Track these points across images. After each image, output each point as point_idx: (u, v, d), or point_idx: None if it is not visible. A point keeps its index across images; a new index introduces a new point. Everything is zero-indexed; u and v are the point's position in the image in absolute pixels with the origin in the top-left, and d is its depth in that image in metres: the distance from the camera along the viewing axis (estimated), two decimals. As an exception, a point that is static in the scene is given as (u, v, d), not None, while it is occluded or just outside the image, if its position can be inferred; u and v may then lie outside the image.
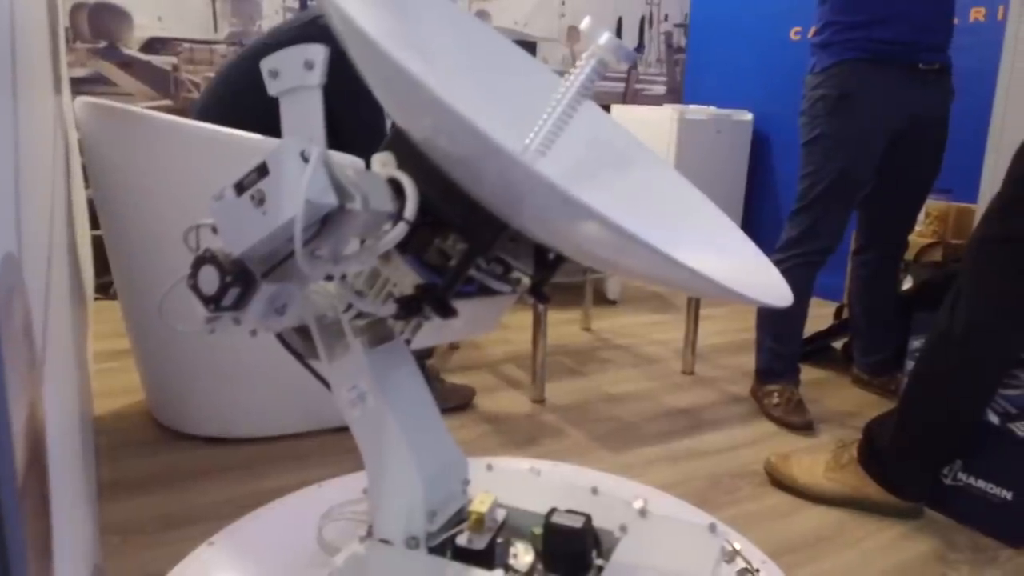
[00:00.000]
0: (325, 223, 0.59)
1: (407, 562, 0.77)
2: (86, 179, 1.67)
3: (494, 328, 0.85)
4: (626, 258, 0.60)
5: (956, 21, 1.90)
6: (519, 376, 2.19)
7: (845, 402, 2.10)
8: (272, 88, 0.60)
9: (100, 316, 2.31)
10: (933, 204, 2.43)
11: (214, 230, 0.62)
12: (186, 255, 0.64)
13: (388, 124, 0.71)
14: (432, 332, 0.74)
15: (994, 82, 2.16)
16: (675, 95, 4.09)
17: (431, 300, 0.66)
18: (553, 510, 0.81)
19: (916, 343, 1.84)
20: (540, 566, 0.80)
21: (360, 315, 0.75)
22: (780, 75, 3.44)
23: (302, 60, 0.58)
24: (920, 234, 2.44)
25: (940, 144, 1.93)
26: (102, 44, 2.75)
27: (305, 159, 0.57)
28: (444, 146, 0.61)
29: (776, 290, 0.73)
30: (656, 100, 4.01)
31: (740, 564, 0.90)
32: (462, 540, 0.78)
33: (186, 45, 2.88)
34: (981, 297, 1.34)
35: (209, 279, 0.61)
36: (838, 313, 2.68)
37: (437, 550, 0.78)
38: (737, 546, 0.92)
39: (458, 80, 0.80)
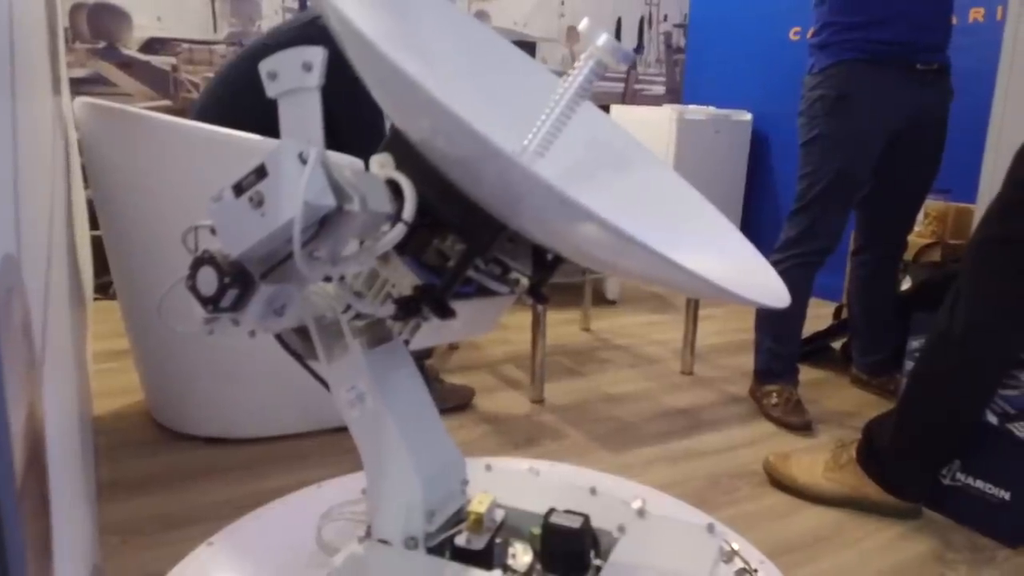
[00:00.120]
0: (323, 224, 0.59)
1: (406, 562, 0.77)
2: (85, 179, 1.67)
3: (493, 329, 0.85)
4: (624, 259, 0.60)
5: (955, 21, 1.90)
6: (518, 376, 2.19)
7: (844, 402, 2.10)
8: (270, 90, 0.60)
9: (99, 316, 2.31)
10: (932, 204, 2.44)
11: (212, 231, 0.62)
12: (186, 256, 0.65)
13: (387, 125, 0.71)
14: (431, 333, 0.74)
15: (993, 82, 2.17)
16: (674, 95, 4.09)
17: (429, 301, 0.67)
18: (551, 510, 0.81)
19: (915, 343, 1.84)
20: (539, 566, 0.80)
21: (359, 316, 0.75)
22: (779, 75, 3.44)
23: (300, 62, 0.58)
24: (919, 234, 2.44)
25: (939, 144, 1.93)
26: (101, 44, 2.75)
27: (303, 161, 0.57)
28: (442, 147, 0.61)
29: (773, 291, 0.73)
30: (655, 100, 4.01)
31: (738, 564, 0.90)
32: (461, 540, 0.78)
33: (185, 45, 2.88)
34: (981, 298, 1.35)
35: (207, 280, 0.61)
36: (837, 313, 2.68)
37: (436, 550, 0.78)
38: (735, 546, 0.92)
39: (456, 81, 0.80)
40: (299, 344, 0.79)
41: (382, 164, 0.67)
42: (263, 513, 1.08)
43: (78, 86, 2.64)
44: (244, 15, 2.96)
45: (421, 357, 1.82)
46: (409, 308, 0.67)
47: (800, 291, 1.93)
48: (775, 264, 1.90)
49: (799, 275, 1.91)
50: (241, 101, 1.33)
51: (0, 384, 0.41)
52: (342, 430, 0.81)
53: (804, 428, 1.88)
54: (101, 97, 1.61)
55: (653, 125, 3.39)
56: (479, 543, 0.78)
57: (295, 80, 0.59)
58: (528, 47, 3.56)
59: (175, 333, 1.48)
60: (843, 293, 2.52)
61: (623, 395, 2.10)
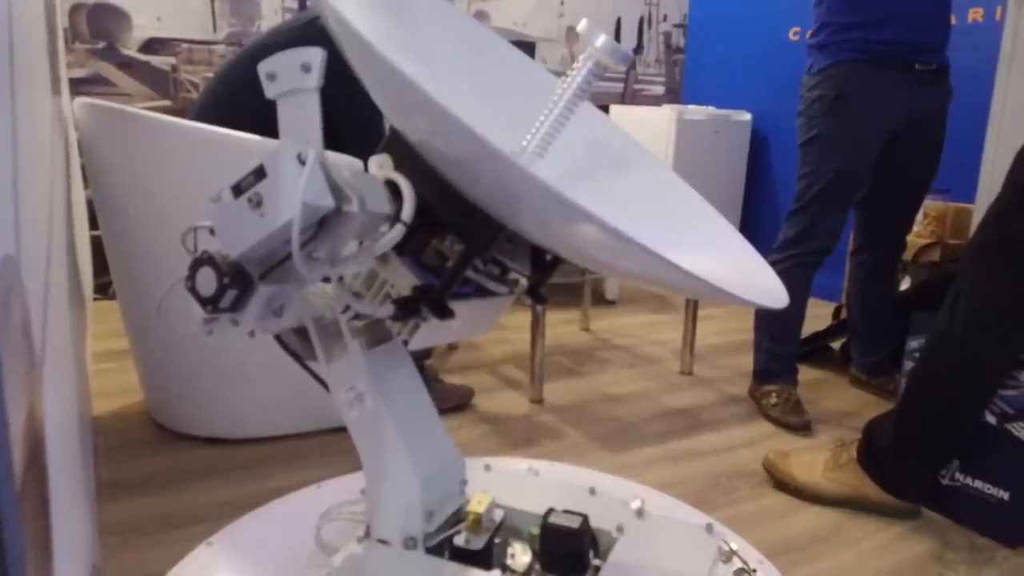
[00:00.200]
0: (322, 225, 0.60)
1: (405, 562, 0.77)
2: (85, 180, 1.67)
3: (492, 329, 0.85)
4: (622, 260, 0.60)
5: (954, 21, 1.91)
6: (518, 376, 2.19)
7: (843, 402, 2.11)
8: (269, 91, 0.60)
9: (99, 316, 2.31)
10: (931, 204, 2.44)
11: (212, 232, 0.62)
12: (185, 256, 0.65)
13: (386, 125, 0.71)
14: (430, 333, 0.74)
15: (992, 82, 2.17)
16: (674, 95, 4.09)
17: (428, 301, 0.67)
18: (550, 510, 0.81)
19: (914, 343, 1.84)
20: (537, 566, 0.81)
21: (358, 316, 0.75)
22: (779, 75, 3.44)
23: (299, 63, 0.58)
24: (918, 234, 2.44)
25: (938, 144, 1.93)
26: (101, 45, 2.75)
27: (302, 161, 0.57)
28: (441, 148, 0.61)
29: (771, 291, 0.73)
30: (655, 100, 4.01)
31: (737, 564, 0.91)
32: (460, 540, 0.78)
33: (185, 45, 2.88)
34: (980, 298, 1.35)
35: (207, 281, 0.61)
36: (836, 313, 2.68)
37: (435, 550, 0.78)
38: (734, 546, 0.92)
39: (455, 82, 0.80)
40: (298, 344, 0.79)
41: (381, 165, 0.67)
42: (262, 513, 1.08)
43: (78, 86, 2.64)
44: (244, 15, 2.96)
45: (420, 357, 1.82)
46: (408, 308, 0.68)
47: (799, 291, 1.93)
48: (774, 264, 1.90)
49: (798, 275, 1.91)
50: (240, 101, 1.33)
51: (-1, 384, 0.41)
52: (341, 430, 0.81)
53: (803, 428, 1.88)
54: (101, 97, 1.62)
55: (652, 125, 3.39)
56: (478, 543, 0.78)
57: (294, 81, 0.59)
58: (527, 47, 3.56)
59: (175, 333, 1.48)
60: (842, 293, 2.53)
61: (622, 395, 2.10)
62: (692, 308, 2.30)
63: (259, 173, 0.59)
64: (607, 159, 0.91)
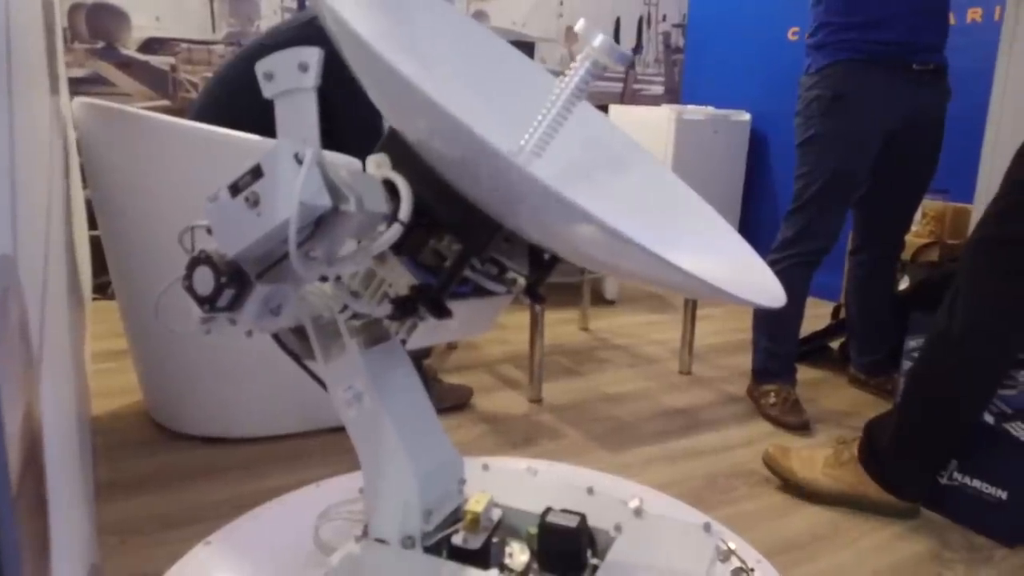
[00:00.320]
0: (319, 224, 0.60)
1: (403, 561, 0.77)
2: (84, 179, 1.67)
3: (489, 329, 0.86)
4: (620, 260, 0.60)
5: (953, 21, 1.91)
6: (516, 376, 2.19)
7: (841, 402, 2.11)
8: (267, 90, 0.60)
9: (98, 316, 2.31)
10: (930, 204, 2.44)
11: (209, 231, 0.62)
12: (184, 256, 0.65)
13: (386, 125, 0.71)
14: (428, 332, 0.74)
15: (991, 82, 2.17)
16: (673, 95, 4.10)
17: (426, 301, 0.67)
18: (548, 509, 0.81)
19: (912, 343, 1.84)
20: (535, 565, 0.81)
21: (356, 315, 0.75)
22: (778, 75, 3.44)
23: (296, 62, 0.58)
24: (917, 234, 2.44)
25: (936, 144, 1.93)
26: (100, 44, 2.75)
27: (299, 161, 0.57)
28: (439, 147, 0.61)
29: (769, 291, 0.73)
30: (654, 100, 4.01)
31: (735, 563, 0.91)
32: (458, 540, 0.78)
33: (184, 45, 2.88)
34: (979, 298, 1.35)
35: (204, 280, 0.61)
36: (835, 313, 2.68)
37: (433, 549, 0.78)
38: (732, 545, 0.92)
39: (453, 82, 0.80)
40: (296, 344, 0.79)
41: (379, 164, 0.67)
42: (261, 512, 1.08)
43: (77, 86, 2.64)
44: (243, 15, 2.96)
45: (419, 357, 1.82)
46: (406, 308, 0.68)
47: (797, 291, 1.93)
48: (772, 264, 1.91)
49: (796, 275, 1.91)
50: (238, 101, 1.34)
51: (-4, 384, 0.41)
52: (340, 430, 0.81)
53: (802, 428, 1.89)
54: (100, 97, 1.61)
55: (652, 125, 3.39)
56: (476, 542, 0.78)
57: (291, 81, 0.59)
58: (527, 47, 3.56)
59: (173, 333, 1.48)
60: (841, 293, 2.53)
61: (621, 395, 2.10)
62: (691, 308, 2.30)
63: (256, 172, 0.59)
64: (605, 159, 0.91)
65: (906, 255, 2.27)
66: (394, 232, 0.64)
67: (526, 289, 0.78)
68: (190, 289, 0.62)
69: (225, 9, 2.93)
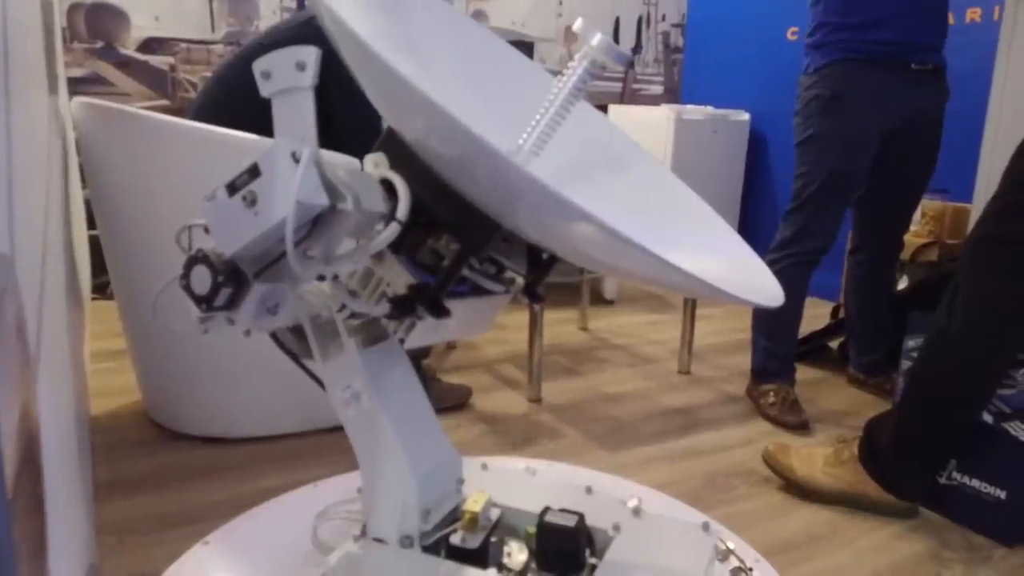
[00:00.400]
0: (317, 223, 0.60)
1: (401, 561, 0.77)
2: (83, 179, 1.67)
3: (488, 328, 0.85)
4: (619, 259, 0.60)
5: (952, 21, 1.91)
6: (516, 376, 2.19)
7: (840, 402, 2.11)
8: (264, 89, 0.60)
9: (97, 316, 2.31)
10: (929, 204, 2.44)
11: (206, 230, 0.62)
12: (182, 255, 0.65)
13: (384, 124, 0.71)
14: (426, 332, 0.74)
15: (990, 82, 2.17)
16: (672, 95, 4.10)
17: (424, 300, 0.67)
18: (547, 509, 0.81)
19: (911, 343, 1.84)
20: (534, 565, 0.81)
21: (354, 315, 0.75)
22: (777, 75, 3.44)
23: (294, 61, 0.58)
24: (916, 234, 2.44)
25: (935, 144, 1.93)
26: (99, 44, 2.75)
27: (296, 160, 0.57)
28: (436, 147, 0.61)
29: (767, 291, 0.73)
30: (653, 100, 4.01)
31: (733, 563, 0.91)
32: (456, 539, 0.78)
33: (183, 45, 2.88)
34: (978, 297, 1.35)
35: (201, 279, 0.61)
36: (835, 313, 2.68)
37: (431, 549, 0.78)
38: (731, 545, 0.92)
39: (452, 81, 0.80)
40: (295, 343, 0.79)
41: (376, 163, 0.67)
42: (259, 512, 1.08)
43: (76, 86, 2.64)
44: (242, 15, 2.96)
45: (418, 356, 1.82)
46: (404, 307, 0.68)
47: (796, 291, 1.93)
48: (771, 264, 1.91)
49: (795, 274, 1.91)
50: (236, 101, 1.33)
51: (-7, 383, 0.41)
52: (338, 430, 0.81)
53: (801, 427, 1.89)
54: (99, 97, 1.62)
55: (651, 125, 3.39)
56: (474, 542, 0.78)
57: (289, 80, 0.59)
58: (526, 47, 3.56)
59: (172, 333, 1.48)
60: (840, 292, 2.53)
61: (620, 394, 2.10)
62: (690, 308, 2.30)
63: (253, 171, 0.59)
64: (604, 158, 0.91)
65: (905, 255, 2.27)
66: (392, 231, 0.64)
67: (524, 288, 0.78)
68: (187, 288, 0.62)
69: (224, 9, 2.93)
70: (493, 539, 0.81)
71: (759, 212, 3.67)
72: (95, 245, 1.80)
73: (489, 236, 0.65)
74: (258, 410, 1.66)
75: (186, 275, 0.62)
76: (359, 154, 0.73)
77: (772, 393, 1.97)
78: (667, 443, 1.79)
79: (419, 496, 0.76)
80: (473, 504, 0.80)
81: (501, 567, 0.79)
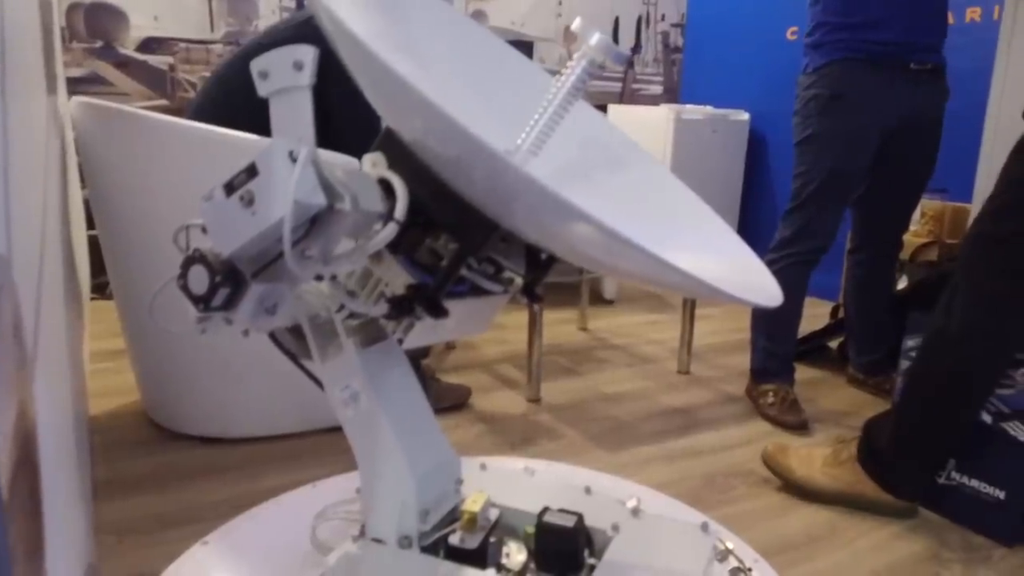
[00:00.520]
0: (315, 223, 0.60)
1: (400, 561, 0.77)
2: (82, 179, 1.66)
3: (487, 328, 0.85)
4: (617, 259, 0.60)
5: (952, 21, 1.91)
6: (515, 376, 2.19)
7: (840, 402, 2.11)
8: (262, 89, 0.60)
9: (96, 316, 2.31)
10: (929, 204, 2.44)
11: (204, 230, 0.62)
12: (180, 255, 0.65)
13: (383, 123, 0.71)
14: (425, 332, 0.74)
15: (989, 82, 2.17)
16: (672, 95, 4.10)
17: (422, 300, 0.67)
18: (546, 509, 0.81)
19: (911, 342, 1.84)
20: (532, 565, 0.81)
21: (352, 315, 0.75)
22: (777, 75, 3.44)
23: (291, 61, 0.58)
24: (916, 234, 2.44)
25: (934, 144, 1.93)
26: (98, 44, 2.75)
27: (294, 159, 0.57)
28: (434, 147, 0.61)
29: (766, 290, 0.73)
30: (653, 100, 4.01)
31: (732, 563, 0.91)
32: (455, 539, 0.78)
33: (182, 45, 2.88)
34: (976, 296, 1.35)
35: (199, 279, 0.61)
36: (834, 313, 2.68)
37: (430, 549, 0.78)
38: (730, 545, 0.92)
39: (451, 82, 0.80)
40: (293, 343, 0.79)
41: (374, 163, 0.67)
42: (258, 512, 1.08)
43: (75, 85, 2.64)
44: (241, 14, 2.96)
45: (418, 356, 1.82)
46: (402, 307, 0.68)
47: (795, 290, 1.93)
48: (770, 264, 1.91)
49: (794, 274, 1.91)
50: (235, 100, 1.33)
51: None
52: (337, 430, 0.81)
53: (800, 427, 1.89)
54: (98, 96, 1.61)
55: (650, 125, 3.39)
56: (473, 542, 0.78)
57: (286, 79, 0.59)
58: (525, 47, 3.56)
59: (171, 333, 1.48)
60: (840, 292, 2.53)
61: (620, 394, 2.10)
62: (689, 308, 2.30)
63: (251, 171, 0.58)
64: (603, 158, 0.91)
65: (905, 255, 2.27)
66: (390, 231, 0.64)
67: (523, 288, 0.78)
68: (185, 288, 0.62)
69: (223, 8, 2.92)
70: (492, 539, 0.81)
71: (758, 212, 3.67)
72: (94, 245, 1.80)
73: (487, 236, 0.65)
74: (257, 410, 1.66)
75: (183, 275, 0.62)
76: (357, 154, 0.73)
77: (771, 393, 1.97)
78: (666, 443, 1.79)
79: (418, 496, 0.76)
80: (472, 504, 0.80)
81: (500, 567, 0.79)
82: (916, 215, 2.29)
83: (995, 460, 1.43)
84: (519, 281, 0.78)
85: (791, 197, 1.94)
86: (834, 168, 1.85)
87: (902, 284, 2.32)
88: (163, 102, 2.87)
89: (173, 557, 0.96)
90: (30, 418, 0.57)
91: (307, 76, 0.58)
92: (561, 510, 0.81)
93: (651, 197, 0.88)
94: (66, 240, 1.35)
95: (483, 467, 0.97)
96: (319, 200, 0.58)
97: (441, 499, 0.81)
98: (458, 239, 0.66)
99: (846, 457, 1.52)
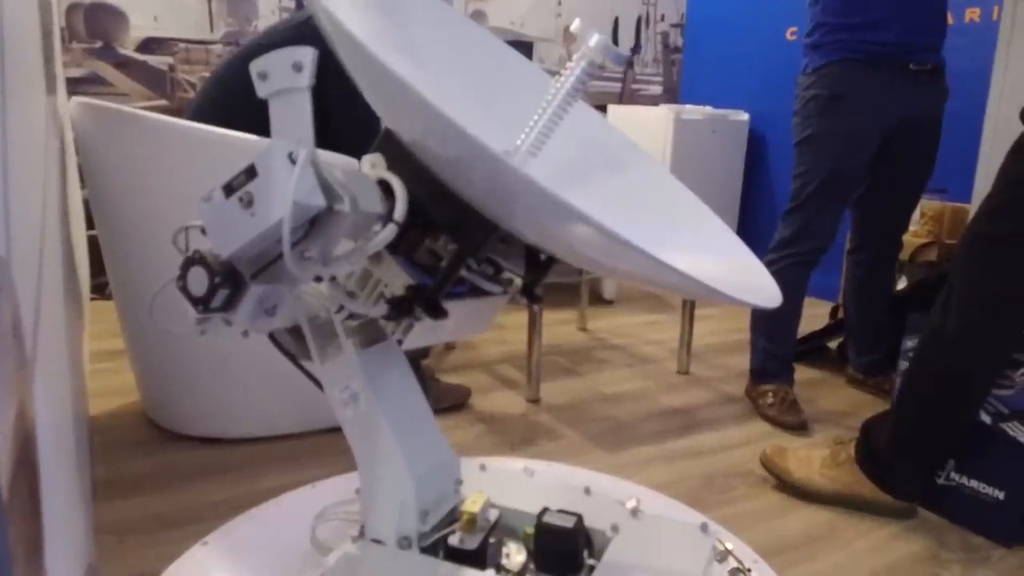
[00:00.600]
0: (314, 224, 0.60)
1: (399, 562, 0.77)
2: (82, 179, 1.66)
3: (486, 329, 0.85)
4: (617, 260, 0.60)
5: (951, 21, 1.91)
6: (515, 376, 2.19)
7: (839, 402, 2.11)
8: (261, 90, 0.60)
9: (96, 316, 2.31)
10: (928, 204, 2.44)
11: (203, 231, 0.62)
12: (180, 256, 0.65)
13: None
14: (424, 333, 0.74)
15: (989, 82, 2.17)
16: (671, 95, 4.10)
17: (422, 301, 0.67)
18: (545, 510, 0.81)
19: (910, 343, 1.84)
20: (532, 566, 0.81)
21: (352, 316, 0.75)
22: (776, 75, 3.44)
23: (291, 62, 0.58)
24: (915, 234, 2.44)
25: (934, 144, 1.93)
26: (98, 44, 2.75)
27: (293, 161, 0.57)
28: (433, 148, 0.61)
29: (766, 291, 0.73)
30: (652, 100, 4.01)
31: (732, 563, 0.91)
32: (454, 540, 0.78)
33: (182, 45, 2.88)
34: (973, 297, 1.35)
35: (198, 280, 0.61)
36: (833, 313, 2.68)
37: (429, 550, 0.78)
38: (729, 546, 0.92)
39: (450, 82, 0.80)
40: (292, 344, 0.79)
41: (374, 164, 0.67)
42: (258, 513, 1.08)
43: (74, 86, 2.64)
44: (241, 15, 2.96)
45: (417, 357, 1.82)
46: (402, 308, 0.68)
47: (795, 291, 1.93)
48: (770, 264, 1.91)
49: (794, 275, 1.91)
50: (234, 101, 1.33)
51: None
52: (337, 430, 0.81)
53: (800, 428, 1.89)
54: (97, 97, 1.61)
55: (650, 125, 3.39)
56: (472, 543, 0.78)
57: (285, 80, 0.59)
58: (525, 47, 3.56)
59: (171, 333, 1.48)
60: (839, 293, 2.53)
61: (619, 395, 2.10)
62: (689, 308, 2.30)
63: (250, 172, 0.59)
64: (603, 159, 0.91)
65: (904, 255, 2.27)
66: (389, 232, 0.64)
67: (523, 289, 0.78)
68: (184, 290, 0.62)
69: (223, 9, 2.92)
70: (491, 540, 0.81)
71: (758, 212, 3.67)
72: (94, 245, 1.80)
73: (487, 237, 0.65)
74: (257, 411, 1.66)
75: (183, 276, 0.62)
76: (357, 155, 0.73)
77: (771, 393, 1.97)
78: (666, 443, 1.79)
79: (417, 497, 0.76)
80: (471, 505, 0.80)
81: (499, 568, 0.79)
82: (915, 215, 2.29)
83: (994, 460, 1.44)
84: (518, 282, 0.78)
85: (790, 197, 1.94)
86: (834, 168, 1.85)
87: (902, 284, 2.32)
88: (163, 102, 2.87)
89: (173, 557, 0.96)
90: (30, 418, 0.57)
91: (306, 77, 0.58)
92: (560, 511, 0.81)
93: (650, 197, 0.88)
94: (66, 240, 1.35)
95: (482, 468, 0.97)
96: (318, 201, 0.58)
97: (440, 500, 0.81)
98: (457, 240, 0.66)
99: (844, 458, 1.52)
